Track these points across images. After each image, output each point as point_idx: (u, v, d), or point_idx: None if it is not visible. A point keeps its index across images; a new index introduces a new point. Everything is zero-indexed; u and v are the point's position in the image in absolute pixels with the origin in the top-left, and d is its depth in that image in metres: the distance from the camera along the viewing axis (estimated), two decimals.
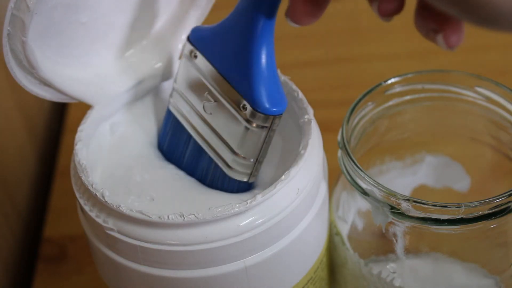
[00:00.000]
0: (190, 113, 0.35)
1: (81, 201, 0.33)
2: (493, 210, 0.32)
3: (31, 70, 0.33)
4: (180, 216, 0.30)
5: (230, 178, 0.34)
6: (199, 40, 0.33)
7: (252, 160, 0.33)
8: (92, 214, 0.32)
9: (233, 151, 0.33)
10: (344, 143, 0.35)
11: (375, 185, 0.33)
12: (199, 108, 0.34)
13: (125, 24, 0.36)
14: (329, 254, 0.38)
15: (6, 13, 0.30)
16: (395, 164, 0.41)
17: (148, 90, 0.37)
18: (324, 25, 0.63)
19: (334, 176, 0.38)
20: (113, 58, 0.37)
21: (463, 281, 0.37)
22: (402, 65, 0.58)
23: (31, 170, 0.55)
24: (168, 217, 0.30)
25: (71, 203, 0.37)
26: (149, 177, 0.35)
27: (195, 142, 0.35)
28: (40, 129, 0.58)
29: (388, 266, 0.36)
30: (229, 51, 0.32)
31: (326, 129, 0.37)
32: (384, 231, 0.35)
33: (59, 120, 0.61)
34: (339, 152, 0.35)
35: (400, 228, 0.35)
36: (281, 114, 0.32)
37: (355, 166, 0.34)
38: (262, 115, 0.32)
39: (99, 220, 0.32)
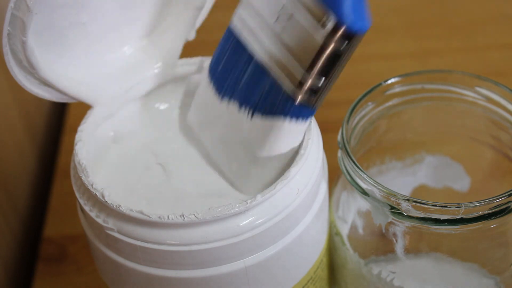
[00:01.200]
0: (259, 26, 0.32)
1: (81, 201, 0.33)
2: (493, 210, 0.32)
3: (31, 70, 0.33)
4: (180, 216, 0.30)
5: (292, 103, 0.31)
6: None
7: (322, 82, 0.30)
8: (92, 214, 0.32)
9: (304, 71, 0.30)
10: (344, 143, 0.35)
11: (375, 185, 0.33)
12: (271, 20, 0.31)
13: (125, 24, 0.36)
14: (329, 254, 0.38)
15: (6, 13, 0.30)
16: (395, 164, 0.41)
17: (148, 90, 0.37)
18: None
19: (334, 176, 0.38)
20: (113, 58, 0.37)
21: (463, 281, 0.37)
22: (402, 65, 0.58)
23: (31, 170, 0.55)
24: (168, 217, 0.30)
25: (71, 203, 0.37)
26: (148, 177, 0.35)
27: (257, 62, 0.32)
28: (40, 129, 0.58)
29: (388, 266, 0.36)
30: None
31: (326, 129, 0.37)
32: (384, 231, 0.35)
33: (59, 120, 0.61)
34: (339, 152, 0.35)
35: (400, 228, 0.35)
36: (365, 32, 0.29)
37: (355, 166, 0.34)
38: (345, 31, 0.29)
39: (99, 220, 0.32)
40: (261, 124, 0.32)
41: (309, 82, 0.31)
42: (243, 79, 0.33)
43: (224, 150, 0.35)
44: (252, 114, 0.33)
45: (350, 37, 0.29)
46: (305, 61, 0.30)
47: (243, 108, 0.33)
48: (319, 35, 0.29)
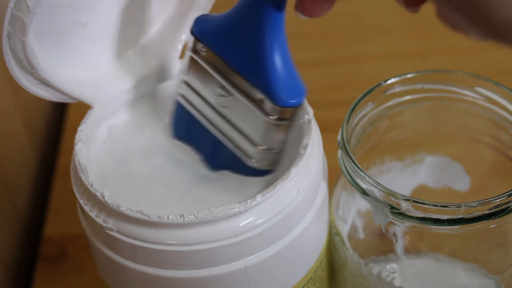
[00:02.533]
0: (203, 106, 0.34)
1: (81, 201, 0.33)
2: (493, 210, 0.32)
3: (31, 70, 0.33)
4: (180, 216, 0.30)
5: (251, 169, 0.33)
6: (204, 33, 0.32)
7: (275, 151, 0.33)
8: (92, 214, 0.32)
9: (254, 144, 0.33)
10: (344, 143, 0.35)
11: (375, 185, 0.33)
12: (213, 101, 0.33)
13: (125, 24, 0.36)
14: (329, 254, 0.38)
15: (6, 13, 0.30)
16: (395, 164, 0.41)
17: (148, 90, 0.37)
18: (324, 25, 0.63)
19: (334, 176, 0.38)
20: (113, 58, 0.37)
21: (463, 281, 0.37)
22: (402, 65, 0.58)
23: (31, 170, 0.55)
24: (168, 217, 0.30)
25: (71, 203, 0.37)
26: (148, 176, 0.35)
27: (212, 136, 0.34)
28: (40, 129, 0.58)
29: (388, 266, 0.36)
30: (239, 44, 0.31)
31: (326, 129, 0.37)
32: (384, 231, 0.35)
33: (59, 120, 0.61)
34: (339, 152, 0.35)
35: (400, 228, 0.35)
36: (302, 104, 0.32)
37: (355, 166, 0.34)
38: (282, 109, 0.31)
39: (99, 220, 0.32)
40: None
41: (262, 155, 0.33)
42: (203, 145, 0.35)
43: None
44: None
45: (287, 112, 0.32)
46: (255, 138, 0.33)
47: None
48: (260, 115, 0.32)
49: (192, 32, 0.33)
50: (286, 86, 0.31)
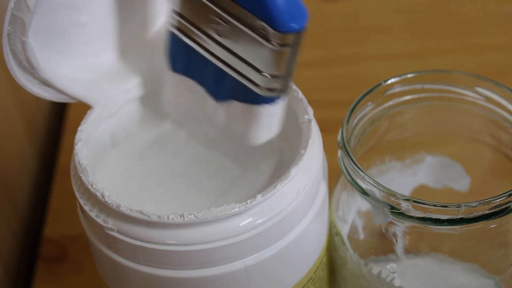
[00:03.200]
0: (200, 37, 0.33)
1: (81, 201, 0.33)
2: (493, 210, 0.32)
3: (31, 70, 0.33)
4: (180, 216, 0.30)
5: (260, 96, 0.32)
6: None
7: (282, 77, 0.31)
8: (92, 214, 0.32)
9: (260, 72, 0.31)
10: (344, 143, 0.35)
11: (375, 185, 0.33)
12: (210, 30, 0.32)
13: (125, 24, 0.36)
14: (329, 254, 0.38)
15: (6, 13, 0.30)
16: (395, 164, 0.41)
17: (148, 90, 0.37)
18: (324, 25, 0.63)
19: (334, 176, 0.38)
20: (113, 58, 0.37)
21: (463, 281, 0.37)
22: (402, 65, 0.58)
23: (31, 170, 0.55)
24: (168, 217, 0.30)
25: (71, 203, 0.37)
26: (148, 176, 0.35)
27: (214, 65, 0.33)
28: (40, 129, 0.58)
29: (388, 266, 0.36)
30: None
31: (326, 129, 0.37)
32: (384, 231, 0.35)
33: (59, 120, 0.61)
34: (339, 152, 0.35)
35: (400, 228, 0.35)
36: (304, 28, 0.30)
37: (355, 166, 0.34)
38: (284, 35, 0.30)
39: (99, 220, 0.32)
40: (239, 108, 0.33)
41: (269, 83, 0.31)
42: (206, 79, 0.34)
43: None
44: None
45: (290, 38, 0.30)
46: (260, 66, 0.31)
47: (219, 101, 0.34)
48: (263, 44, 0.30)
49: None
50: (286, 10, 0.30)
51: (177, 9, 0.33)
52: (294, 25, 0.30)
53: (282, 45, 0.30)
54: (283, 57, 0.31)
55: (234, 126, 0.34)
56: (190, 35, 0.33)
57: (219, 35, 0.32)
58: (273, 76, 0.31)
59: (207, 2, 0.31)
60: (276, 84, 0.32)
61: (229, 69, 0.32)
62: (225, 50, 0.32)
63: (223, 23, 0.31)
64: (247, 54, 0.31)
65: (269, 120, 0.33)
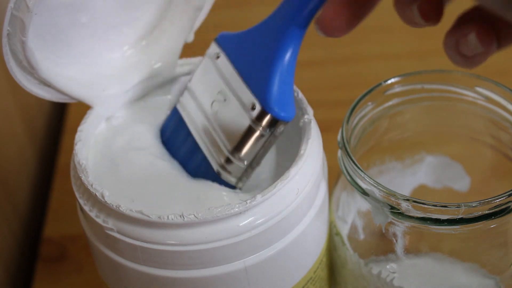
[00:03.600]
0: (195, 111, 0.35)
1: (81, 201, 0.33)
2: (493, 210, 0.32)
3: (31, 70, 0.33)
4: (180, 216, 0.30)
5: (220, 178, 0.34)
6: (226, 42, 0.34)
7: (245, 163, 0.33)
8: (92, 214, 0.32)
9: (229, 150, 0.33)
10: (344, 143, 0.35)
11: (375, 185, 0.33)
12: (207, 106, 0.34)
13: (124, 24, 0.36)
14: (329, 254, 0.38)
15: (6, 13, 0.30)
16: (395, 164, 0.41)
17: (148, 90, 0.37)
18: None
19: (334, 176, 0.38)
20: (113, 58, 0.37)
21: (463, 281, 0.37)
22: (402, 65, 0.58)
23: (31, 170, 0.55)
24: (168, 217, 0.30)
25: (71, 203, 0.37)
26: (148, 176, 0.35)
27: (193, 139, 0.35)
28: (40, 129, 0.58)
29: (388, 266, 0.36)
30: (253, 53, 0.33)
31: (326, 129, 0.37)
32: (384, 231, 0.35)
33: (59, 120, 0.61)
34: (339, 152, 0.35)
35: (400, 228, 0.35)
36: (287, 122, 0.33)
37: (355, 166, 0.34)
38: (269, 117, 0.32)
39: (99, 220, 0.32)
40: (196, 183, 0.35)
41: (232, 165, 0.33)
42: (181, 150, 0.36)
43: None
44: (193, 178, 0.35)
45: (273, 123, 0.32)
46: (232, 143, 0.33)
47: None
48: (247, 119, 0.33)
49: (216, 40, 0.35)
50: (281, 100, 0.32)
51: (190, 86, 0.35)
52: (282, 114, 0.32)
53: (263, 128, 0.32)
54: (258, 141, 0.33)
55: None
56: (188, 110, 0.35)
57: (212, 111, 0.34)
58: (239, 159, 0.33)
59: (218, 78, 0.34)
60: (237, 170, 0.34)
61: (203, 143, 0.35)
62: (208, 122, 0.34)
63: (222, 99, 0.34)
64: (227, 127, 0.34)
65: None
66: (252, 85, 0.33)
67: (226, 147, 0.34)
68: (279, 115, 0.32)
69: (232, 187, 0.34)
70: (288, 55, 0.32)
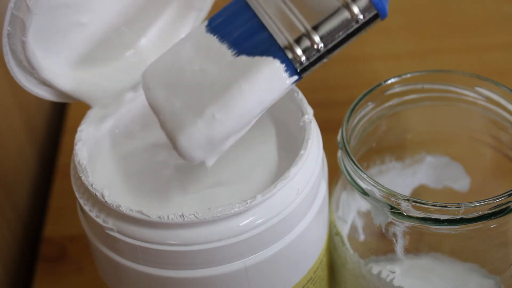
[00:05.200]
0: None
1: (81, 201, 0.33)
2: (493, 210, 0.32)
3: (31, 70, 0.33)
4: (180, 216, 0.30)
5: (282, 54, 0.31)
6: None
7: (320, 47, 0.31)
8: (92, 214, 0.32)
9: (307, 29, 0.30)
10: (344, 143, 0.35)
11: (375, 185, 0.33)
12: None
13: (125, 24, 0.36)
14: (329, 254, 0.38)
15: (6, 13, 0.30)
16: (395, 164, 0.41)
17: None
18: None
19: (334, 176, 0.38)
20: (113, 58, 0.37)
21: (463, 281, 0.37)
22: (402, 65, 0.58)
23: (31, 170, 0.55)
24: (168, 217, 0.30)
25: (71, 203, 0.37)
26: (148, 176, 0.35)
27: (257, 19, 0.32)
28: (40, 129, 0.58)
29: (388, 266, 0.36)
30: None
31: (326, 129, 0.37)
32: (384, 231, 0.35)
33: (59, 120, 0.61)
34: (339, 152, 0.35)
35: (400, 228, 0.35)
36: (383, 16, 0.30)
37: (355, 166, 0.34)
38: (368, 3, 0.29)
39: (99, 220, 0.32)
40: (243, 61, 0.31)
41: (307, 42, 0.31)
42: (239, 30, 0.32)
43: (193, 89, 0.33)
44: (239, 54, 0.32)
45: (370, 11, 0.30)
46: (313, 19, 0.30)
47: (231, 49, 0.32)
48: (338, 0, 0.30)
49: None
50: None
51: None
52: (383, 7, 0.30)
53: (356, 15, 0.30)
54: (344, 24, 0.30)
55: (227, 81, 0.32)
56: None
57: None
58: (312, 37, 0.30)
59: None
60: (305, 48, 0.30)
61: (273, 23, 0.31)
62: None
63: None
64: (310, 7, 0.30)
65: (263, 87, 0.31)
66: None
67: (302, 24, 0.31)
68: (380, 7, 0.29)
69: (292, 70, 0.31)
70: None
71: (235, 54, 0.32)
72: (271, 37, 0.31)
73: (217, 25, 0.33)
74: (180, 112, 0.31)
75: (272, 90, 0.31)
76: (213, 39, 0.32)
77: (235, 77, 0.31)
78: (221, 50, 0.32)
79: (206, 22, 0.33)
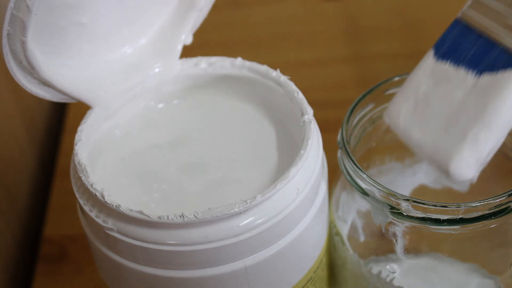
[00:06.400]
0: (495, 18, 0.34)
1: (81, 201, 0.33)
2: (493, 210, 0.32)
3: (31, 70, 0.33)
4: (180, 216, 0.30)
5: None
6: None
7: None
8: (92, 214, 0.32)
9: None
10: (344, 143, 0.35)
11: (375, 185, 0.33)
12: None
13: (124, 24, 0.36)
14: (329, 254, 0.38)
15: (6, 13, 0.30)
16: (395, 165, 0.41)
17: (148, 90, 0.37)
18: (324, 25, 0.63)
19: (334, 176, 0.38)
20: (113, 58, 0.37)
21: (463, 281, 0.37)
22: (402, 65, 0.58)
23: (31, 170, 0.55)
24: (168, 217, 0.30)
25: (71, 203, 0.37)
26: (149, 176, 0.35)
27: (485, 38, 0.34)
28: (40, 129, 0.58)
29: (388, 266, 0.36)
30: None
31: (326, 129, 0.37)
32: (384, 231, 0.35)
33: (59, 120, 0.61)
34: (339, 152, 0.35)
35: (400, 228, 0.35)
36: None
37: (355, 166, 0.34)
38: None
39: (99, 220, 0.32)
40: (487, 79, 0.33)
41: None
42: (471, 51, 0.34)
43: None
44: (480, 75, 0.33)
45: None
46: None
47: (470, 71, 0.34)
48: None
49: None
50: None
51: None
52: None
53: None
54: None
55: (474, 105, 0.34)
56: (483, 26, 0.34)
57: None
58: None
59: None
60: None
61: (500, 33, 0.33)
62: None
63: None
64: None
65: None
66: None
67: None
68: None
69: None
70: None
71: (476, 75, 0.33)
72: (505, 51, 0.33)
73: (445, 51, 0.35)
74: (441, 142, 0.34)
75: None
76: (446, 66, 0.35)
77: (487, 96, 0.33)
78: (459, 74, 0.34)
79: (431, 52, 0.35)
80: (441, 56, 0.35)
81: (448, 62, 0.35)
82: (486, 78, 0.33)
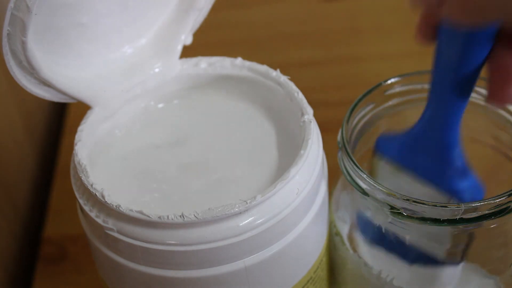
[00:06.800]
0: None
1: (81, 201, 0.33)
2: (493, 210, 0.32)
3: (31, 70, 0.33)
4: (180, 216, 0.30)
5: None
6: (386, 149, 0.36)
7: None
8: (92, 214, 0.32)
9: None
10: (344, 143, 0.35)
11: (375, 185, 0.33)
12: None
13: (125, 24, 0.36)
14: (329, 254, 0.38)
15: (6, 13, 0.30)
16: None
17: (148, 90, 0.37)
18: (324, 25, 0.63)
19: (334, 176, 0.38)
20: (113, 58, 0.37)
21: (463, 281, 0.37)
22: (402, 65, 0.58)
23: (31, 170, 0.55)
24: (168, 217, 0.30)
25: (71, 203, 0.37)
26: (149, 176, 0.35)
27: None
28: (40, 129, 0.58)
29: (388, 266, 0.36)
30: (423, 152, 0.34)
31: (326, 129, 0.37)
32: (384, 231, 0.35)
33: (59, 120, 0.61)
34: (339, 152, 0.35)
35: (400, 228, 0.35)
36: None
37: (355, 166, 0.34)
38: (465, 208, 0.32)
39: (99, 220, 0.32)
40: None
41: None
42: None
43: None
44: None
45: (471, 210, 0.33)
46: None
47: None
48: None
49: (377, 150, 0.36)
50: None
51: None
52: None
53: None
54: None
55: None
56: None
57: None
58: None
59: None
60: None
61: None
62: None
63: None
64: None
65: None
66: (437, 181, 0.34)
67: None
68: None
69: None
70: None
71: None
72: None
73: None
74: None
75: None
76: None
77: None
78: None
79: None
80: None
81: None
82: None
